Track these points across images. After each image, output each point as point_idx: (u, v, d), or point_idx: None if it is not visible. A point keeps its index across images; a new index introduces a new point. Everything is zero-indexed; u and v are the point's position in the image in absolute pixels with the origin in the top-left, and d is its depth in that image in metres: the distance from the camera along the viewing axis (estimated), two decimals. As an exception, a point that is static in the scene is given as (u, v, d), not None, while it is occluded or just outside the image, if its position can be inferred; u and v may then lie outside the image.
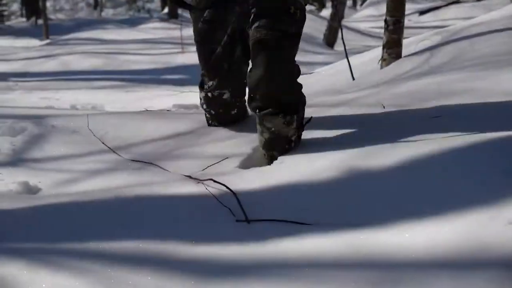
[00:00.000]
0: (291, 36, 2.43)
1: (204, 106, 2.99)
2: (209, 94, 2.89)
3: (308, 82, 4.47)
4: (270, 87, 2.41)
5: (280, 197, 2.10)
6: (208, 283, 1.58)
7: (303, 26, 2.48)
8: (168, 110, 4.15)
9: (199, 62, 2.91)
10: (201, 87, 2.94)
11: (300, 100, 2.52)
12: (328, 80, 5.09)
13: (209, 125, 3.03)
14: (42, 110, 4.35)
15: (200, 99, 2.98)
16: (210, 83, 2.88)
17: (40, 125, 3.21)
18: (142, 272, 1.65)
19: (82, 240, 1.89)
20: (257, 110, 2.46)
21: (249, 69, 2.51)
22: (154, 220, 1.99)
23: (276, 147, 2.46)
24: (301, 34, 2.47)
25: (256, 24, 2.42)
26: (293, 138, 2.47)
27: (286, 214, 1.95)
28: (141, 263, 1.72)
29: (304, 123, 2.54)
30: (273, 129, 2.44)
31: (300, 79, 2.51)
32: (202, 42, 2.85)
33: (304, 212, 1.96)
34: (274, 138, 2.46)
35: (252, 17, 2.44)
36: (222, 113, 2.97)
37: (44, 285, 1.64)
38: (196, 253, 1.77)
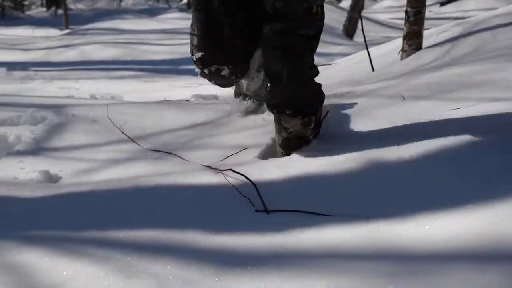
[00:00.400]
0: (312, 38, 2.29)
1: (199, 74, 2.58)
2: (206, 71, 2.50)
3: (327, 73, 4.46)
4: (289, 94, 2.34)
5: (298, 188, 2.10)
6: (227, 273, 1.59)
7: (323, 25, 2.32)
8: (187, 100, 4.15)
9: (192, 24, 2.45)
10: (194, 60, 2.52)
11: (318, 101, 2.46)
12: (347, 71, 5.07)
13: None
14: (62, 100, 4.38)
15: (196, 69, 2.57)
16: (199, 54, 2.46)
17: (60, 114, 3.23)
18: (162, 261, 1.66)
19: (102, 228, 1.90)
20: (275, 111, 2.41)
21: (264, 68, 2.37)
22: (174, 210, 2.00)
23: (294, 146, 2.42)
24: (321, 32, 2.33)
25: (276, 26, 2.24)
26: (310, 137, 2.44)
27: (304, 205, 1.95)
28: (161, 252, 1.73)
29: (321, 119, 2.52)
30: (290, 130, 2.40)
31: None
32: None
33: (322, 203, 1.96)
34: (291, 138, 2.42)
35: (271, 15, 2.25)
36: (220, 84, 2.66)
37: (64, 272, 1.65)
38: (215, 243, 1.77)
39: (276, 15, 2.23)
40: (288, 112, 2.36)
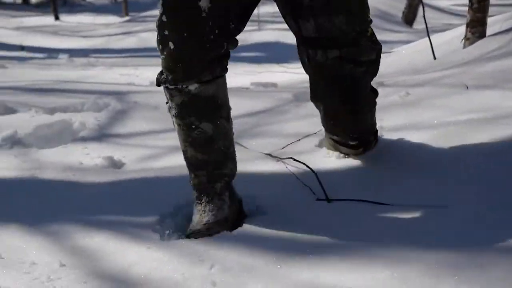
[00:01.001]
0: (373, 63, 1.98)
1: (159, 24, 1.77)
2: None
3: (387, 61, 4.42)
4: (352, 128, 2.11)
5: (359, 177, 2.10)
6: (288, 261, 1.60)
7: (381, 47, 2.01)
8: (246, 88, 4.17)
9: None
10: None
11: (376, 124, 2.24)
12: (408, 59, 4.99)
13: (159, 83, 1.86)
14: (123, 86, 4.45)
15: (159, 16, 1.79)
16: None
17: (122, 101, 3.28)
18: (224, 248, 1.68)
19: (166, 214, 1.93)
20: (335, 139, 2.19)
21: (316, 99, 2.07)
22: (235, 197, 2.01)
23: None
24: (380, 55, 2.02)
25: (333, 54, 1.88)
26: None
27: (366, 194, 1.94)
28: (223, 238, 1.75)
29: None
30: (350, 155, 2.22)
31: None
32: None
33: (384, 193, 1.95)
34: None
35: (322, 41, 1.87)
36: (186, 39, 1.75)
37: (129, 257, 1.69)
38: (276, 231, 1.78)
39: (326, 40, 1.87)
40: (351, 143, 2.16)
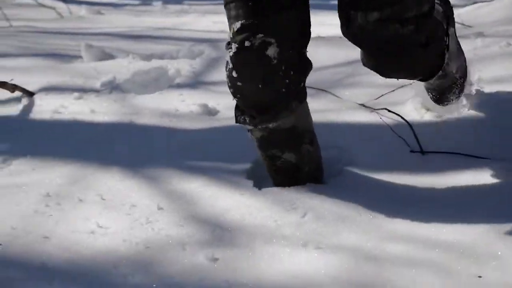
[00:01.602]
0: (425, 16, 1.64)
1: (229, 76, 1.69)
2: (246, 43, 1.63)
3: (488, 10, 4.26)
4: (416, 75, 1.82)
5: (455, 130, 2.06)
6: (383, 211, 1.60)
7: None
8: (340, 37, 4.12)
9: None
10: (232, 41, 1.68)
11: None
12: (510, 8, 4.80)
13: (237, 121, 1.79)
14: (216, 34, 4.47)
15: (227, 63, 1.69)
16: (239, 23, 1.64)
17: (216, 49, 3.30)
18: (316, 197, 1.70)
19: (258, 162, 1.95)
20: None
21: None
22: (327, 146, 2.01)
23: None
24: (434, 7, 1.71)
25: (373, 17, 1.60)
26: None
27: (461, 147, 1.91)
28: (314, 189, 1.76)
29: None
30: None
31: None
32: None
33: (479, 146, 1.91)
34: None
35: (362, 2, 1.62)
36: (260, 90, 1.67)
37: (224, 203, 1.73)
38: (370, 181, 1.79)
39: (365, 1, 1.62)
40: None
